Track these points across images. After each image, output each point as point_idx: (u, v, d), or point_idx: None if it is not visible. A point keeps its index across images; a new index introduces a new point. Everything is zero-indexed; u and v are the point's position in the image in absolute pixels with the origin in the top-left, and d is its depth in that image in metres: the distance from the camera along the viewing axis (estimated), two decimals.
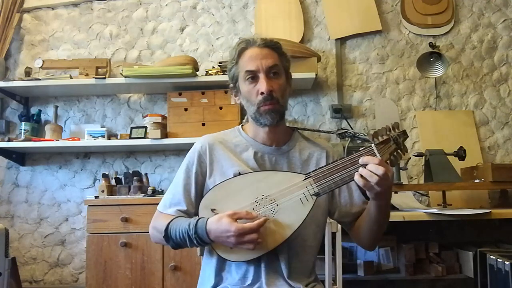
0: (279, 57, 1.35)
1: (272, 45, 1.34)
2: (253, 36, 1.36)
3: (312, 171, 1.23)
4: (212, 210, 1.25)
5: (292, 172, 1.28)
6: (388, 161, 1.20)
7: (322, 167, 1.23)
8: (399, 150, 1.22)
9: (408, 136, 1.26)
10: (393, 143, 1.21)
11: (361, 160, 1.16)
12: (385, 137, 1.20)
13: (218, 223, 1.18)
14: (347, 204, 1.38)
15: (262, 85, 1.28)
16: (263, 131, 1.35)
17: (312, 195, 1.22)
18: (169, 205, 1.34)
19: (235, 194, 1.24)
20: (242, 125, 1.44)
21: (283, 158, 1.36)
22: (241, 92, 1.35)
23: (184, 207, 1.32)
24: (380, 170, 1.12)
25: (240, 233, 1.15)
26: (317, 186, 1.21)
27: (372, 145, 1.19)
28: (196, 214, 1.31)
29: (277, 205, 1.22)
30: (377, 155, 1.18)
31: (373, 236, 1.34)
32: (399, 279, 2.32)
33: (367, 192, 1.18)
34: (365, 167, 1.14)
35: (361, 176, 1.14)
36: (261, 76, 1.29)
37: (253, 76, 1.30)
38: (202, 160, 1.35)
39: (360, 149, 1.20)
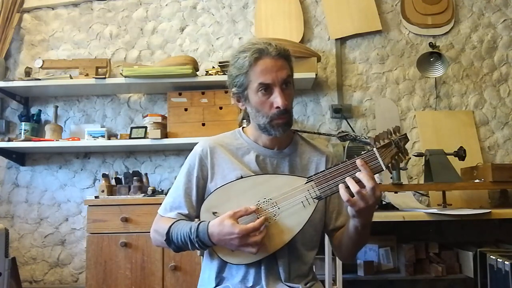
0: (290, 65, 1.31)
1: (285, 55, 1.29)
2: (264, 43, 1.27)
3: (314, 175, 1.23)
4: (214, 213, 1.24)
5: (294, 176, 1.27)
6: (389, 165, 1.20)
7: (324, 170, 1.22)
8: (400, 154, 1.22)
9: (409, 140, 1.26)
10: (394, 146, 1.21)
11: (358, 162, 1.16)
12: (386, 141, 1.20)
13: (220, 226, 1.17)
14: (334, 211, 1.38)
15: (279, 99, 1.25)
16: (266, 137, 1.34)
17: (314, 198, 1.22)
18: (170, 209, 1.33)
19: (236, 197, 1.24)
20: (242, 127, 1.43)
21: (285, 162, 1.35)
22: (251, 101, 1.30)
23: (185, 211, 1.31)
24: (370, 183, 1.12)
25: (244, 234, 1.15)
26: (318, 190, 1.21)
27: (374, 149, 1.19)
28: (197, 217, 1.30)
29: (279, 208, 1.22)
30: (379, 159, 1.18)
31: (349, 251, 1.35)
32: (399, 279, 2.32)
33: (349, 209, 1.17)
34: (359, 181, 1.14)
35: (346, 188, 1.14)
36: (276, 90, 1.26)
37: (266, 88, 1.26)
38: (203, 163, 1.34)
39: (362, 152, 1.20)
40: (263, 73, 1.25)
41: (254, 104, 1.30)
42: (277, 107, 1.26)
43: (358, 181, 1.14)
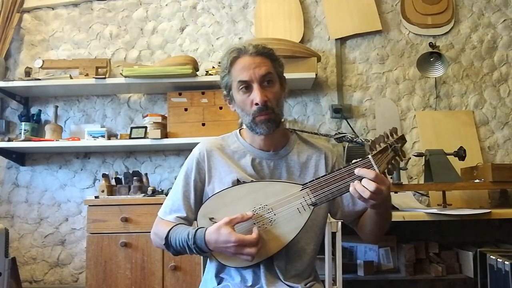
0: (272, 63, 1.32)
1: (264, 53, 1.31)
2: (244, 43, 1.32)
3: (309, 182, 1.23)
4: (210, 219, 1.26)
5: (290, 182, 1.27)
6: (385, 170, 1.19)
7: (319, 177, 1.22)
8: (397, 157, 1.21)
9: (406, 141, 1.25)
10: (390, 151, 1.20)
11: (357, 172, 1.15)
12: (382, 145, 1.19)
13: (217, 234, 1.18)
14: (349, 204, 1.39)
15: (256, 95, 1.26)
16: (259, 138, 1.35)
17: (310, 205, 1.22)
18: (169, 212, 1.35)
19: (233, 203, 1.25)
20: (240, 129, 1.44)
21: (281, 163, 1.36)
22: (235, 101, 1.33)
23: (183, 214, 1.33)
24: (372, 185, 1.11)
25: (240, 244, 1.16)
26: (314, 197, 1.21)
27: (369, 156, 1.18)
28: (196, 220, 1.32)
29: (274, 214, 1.23)
30: (374, 166, 1.17)
31: (375, 234, 1.36)
32: (399, 279, 2.32)
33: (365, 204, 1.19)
34: (360, 180, 1.14)
35: (356, 189, 1.14)
36: (255, 86, 1.27)
37: (246, 86, 1.28)
38: (201, 167, 1.36)
39: (357, 160, 1.19)
40: (241, 71, 1.29)
41: (238, 104, 1.32)
42: (256, 104, 1.27)
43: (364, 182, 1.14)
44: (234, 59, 1.30)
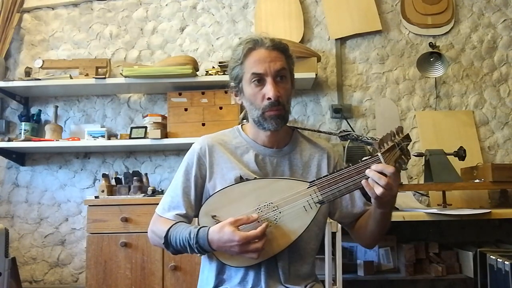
0: (286, 60, 1.30)
1: (280, 47, 1.29)
2: (260, 36, 1.29)
3: (317, 179, 1.21)
4: (213, 216, 1.22)
5: (296, 180, 1.25)
6: None
7: (327, 175, 1.21)
8: (403, 156, 1.21)
9: (411, 140, 1.25)
10: (398, 149, 1.19)
11: (374, 167, 1.13)
12: (390, 144, 1.19)
13: (220, 233, 1.15)
14: (348, 206, 1.38)
15: (270, 90, 1.24)
16: (264, 134, 1.32)
17: (316, 203, 1.20)
18: (168, 209, 1.31)
19: (236, 201, 1.22)
20: (242, 125, 1.41)
21: (284, 160, 1.34)
22: (245, 94, 1.30)
23: (183, 211, 1.29)
24: (382, 181, 1.11)
25: (244, 242, 1.13)
26: (321, 194, 1.19)
27: (379, 154, 1.17)
28: (196, 217, 1.29)
29: (280, 212, 1.20)
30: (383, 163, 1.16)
31: (374, 237, 1.34)
32: (399, 279, 2.32)
33: (372, 200, 1.17)
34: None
35: (368, 184, 1.14)
36: (269, 80, 1.25)
37: (259, 79, 1.26)
38: (202, 162, 1.32)
39: (367, 158, 1.18)
40: (256, 64, 1.25)
41: (248, 96, 1.29)
42: (268, 98, 1.25)
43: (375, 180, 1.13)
44: (249, 50, 1.27)
